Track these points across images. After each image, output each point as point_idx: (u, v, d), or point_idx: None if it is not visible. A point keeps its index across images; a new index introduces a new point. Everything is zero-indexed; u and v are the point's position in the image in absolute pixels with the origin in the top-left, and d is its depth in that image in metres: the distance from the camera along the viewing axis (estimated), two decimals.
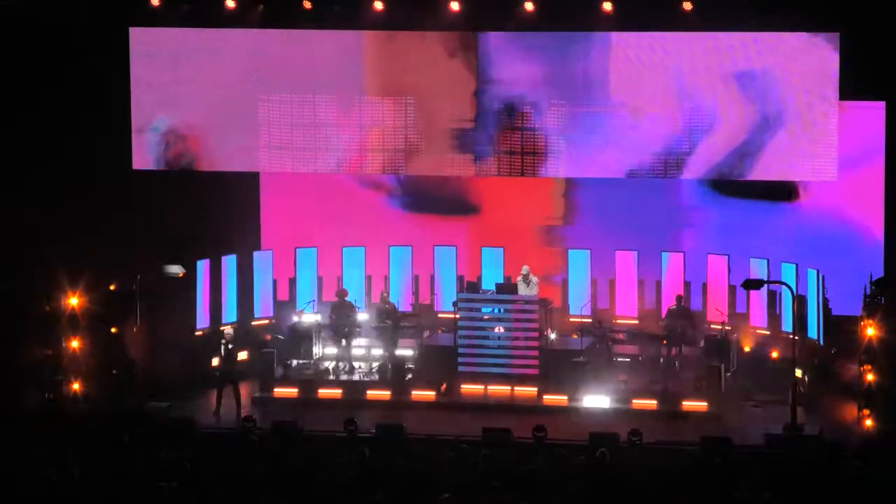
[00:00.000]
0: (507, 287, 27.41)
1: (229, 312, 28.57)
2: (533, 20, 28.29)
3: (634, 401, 25.65)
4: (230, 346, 26.25)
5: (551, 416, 24.76)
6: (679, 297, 27.21)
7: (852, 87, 27.56)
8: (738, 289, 26.31)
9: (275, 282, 29.41)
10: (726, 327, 27.33)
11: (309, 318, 28.09)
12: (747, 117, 28.26)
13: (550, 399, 26.00)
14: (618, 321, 28.45)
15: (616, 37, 28.56)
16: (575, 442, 22.67)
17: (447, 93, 29.25)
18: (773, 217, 28.83)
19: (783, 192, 28.76)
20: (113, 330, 26.99)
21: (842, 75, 27.50)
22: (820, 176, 28.25)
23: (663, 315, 27.49)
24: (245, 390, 26.54)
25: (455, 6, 28.21)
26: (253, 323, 28.99)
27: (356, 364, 27.43)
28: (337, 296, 28.20)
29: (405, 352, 27.46)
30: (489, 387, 26.58)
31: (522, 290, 27.26)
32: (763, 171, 28.36)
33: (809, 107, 27.95)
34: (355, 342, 27.86)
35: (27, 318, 26.34)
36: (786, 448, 22.62)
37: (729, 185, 28.88)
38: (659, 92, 28.54)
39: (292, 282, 29.42)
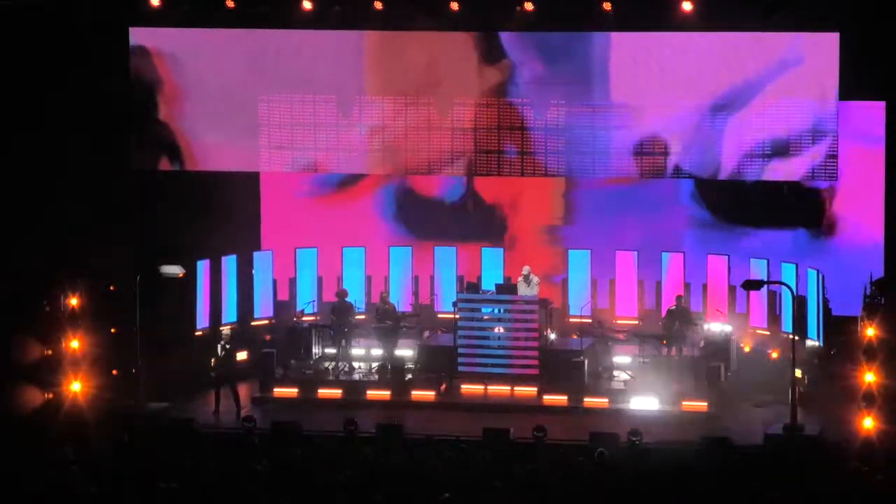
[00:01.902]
0: (507, 287, 27.41)
1: (229, 312, 28.56)
2: (533, 20, 28.29)
3: (634, 401, 25.65)
4: (228, 347, 26.24)
5: (551, 416, 24.76)
6: (679, 298, 27.21)
7: (852, 87, 27.56)
8: (738, 289, 26.31)
9: (275, 282, 29.41)
10: (726, 327, 27.33)
11: (309, 318, 28.17)
12: (747, 118, 28.24)
13: (550, 399, 26.00)
14: (618, 321, 28.45)
15: (616, 36, 28.55)
16: (575, 442, 22.68)
17: (447, 92, 29.25)
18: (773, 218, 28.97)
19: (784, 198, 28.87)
20: (113, 330, 27.00)
21: (842, 75, 27.50)
22: (820, 176, 28.25)
23: (663, 315, 27.48)
24: (245, 390, 26.54)
25: (455, 6, 28.21)
26: (253, 323, 28.99)
27: (356, 364, 27.43)
28: (337, 296, 28.20)
29: (405, 352, 27.45)
30: (489, 387, 26.58)
31: (523, 290, 27.26)
32: (763, 171, 28.35)
33: (809, 107, 27.94)
34: (355, 342, 27.86)
35: (27, 317, 26.33)
36: (786, 448, 22.61)
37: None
38: (659, 92, 28.52)
39: (292, 282, 29.42)
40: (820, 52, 27.62)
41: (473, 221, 30.24)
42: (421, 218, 30.27)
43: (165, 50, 29.40)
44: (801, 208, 28.95)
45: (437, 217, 30.23)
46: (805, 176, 28.39)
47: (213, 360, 26.19)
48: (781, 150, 28.23)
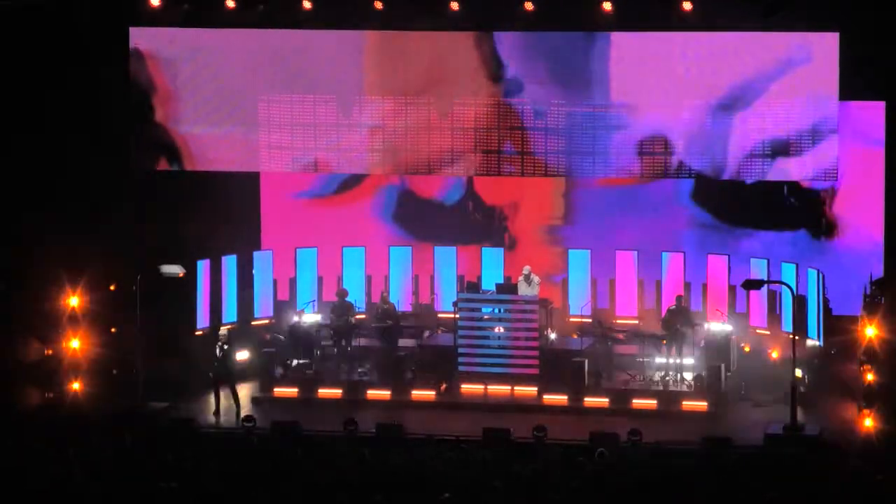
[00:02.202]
0: (507, 287, 27.41)
1: (229, 312, 28.57)
2: (533, 20, 28.28)
3: (634, 401, 25.66)
4: (226, 347, 26.24)
5: (551, 416, 24.77)
6: (679, 298, 27.19)
7: (852, 87, 27.55)
8: (739, 289, 26.31)
9: (275, 282, 29.41)
10: (726, 327, 27.32)
11: (309, 318, 28.17)
12: (747, 118, 28.24)
13: (550, 399, 26.01)
14: (618, 321, 28.45)
15: (617, 36, 28.54)
16: (575, 442, 22.68)
17: (447, 93, 29.24)
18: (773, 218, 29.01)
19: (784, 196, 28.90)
20: (113, 330, 27.01)
21: (842, 75, 27.50)
22: (820, 176, 28.25)
23: (663, 315, 27.46)
24: (245, 390, 26.55)
25: (455, 6, 28.21)
26: (253, 323, 28.99)
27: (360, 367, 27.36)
28: (337, 296, 28.21)
29: (405, 352, 27.44)
30: (489, 387, 26.58)
31: (524, 289, 27.25)
32: (763, 171, 28.35)
33: (810, 107, 27.93)
34: (355, 342, 27.86)
35: (27, 317, 26.34)
36: (786, 448, 22.61)
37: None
38: (659, 92, 28.50)
39: (292, 282, 29.42)
40: (820, 52, 27.60)
41: (474, 224, 30.20)
42: (421, 222, 30.20)
43: (165, 50, 29.39)
44: (801, 208, 28.97)
45: (438, 221, 30.17)
46: (805, 176, 28.38)
47: (213, 361, 26.17)
48: (781, 150, 28.22)
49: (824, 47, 27.53)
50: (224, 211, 29.22)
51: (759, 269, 27.43)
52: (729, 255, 28.20)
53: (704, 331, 27.25)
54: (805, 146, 28.13)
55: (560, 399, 25.91)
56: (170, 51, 29.38)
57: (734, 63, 28.15)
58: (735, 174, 28.58)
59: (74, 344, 25.99)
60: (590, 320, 27.88)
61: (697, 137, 28.54)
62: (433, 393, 26.41)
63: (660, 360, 26.64)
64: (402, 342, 27.68)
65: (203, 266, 28.07)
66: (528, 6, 28.12)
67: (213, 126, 29.52)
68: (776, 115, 28.17)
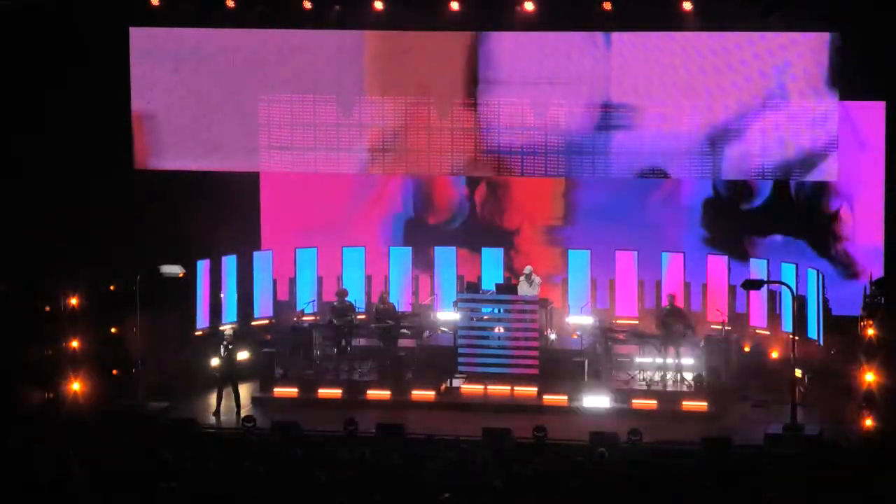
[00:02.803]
0: (507, 287, 27.40)
1: (229, 312, 28.56)
2: (533, 20, 28.29)
3: (634, 401, 25.65)
4: (230, 347, 26.24)
5: (551, 416, 24.76)
6: (671, 297, 27.10)
7: (852, 87, 27.56)
8: (738, 289, 26.30)
9: (275, 282, 29.40)
10: (726, 327, 27.31)
11: (309, 318, 28.18)
12: (748, 118, 28.25)
13: (550, 399, 26.00)
14: (618, 321, 28.43)
15: (616, 36, 28.56)
16: (575, 442, 22.67)
17: (447, 93, 29.25)
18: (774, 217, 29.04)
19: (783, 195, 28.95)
20: (113, 330, 27.01)
21: (842, 75, 27.50)
22: (820, 176, 28.25)
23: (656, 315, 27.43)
24: (245, 390, 26.55)
25: (455, 6, 28.21)
26: (253, 323, 28.98)
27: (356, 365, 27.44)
28: (337, 296, 28.20)
29: (405, 352, 27.44)
30: (489, 387, 26.58)
31: (525, 289, 27.25)
32: (763, 171, 28.36)
33: (810, 108, 27.94)
34: (355, 342, 27.85)
35: (27, 318, 26.33)
36: (786, 448, 22.61)
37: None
38: (659, 92, 28.52)
39: (292, 282, 29.42)
40: (819, 52, 27.61)
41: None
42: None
43: (165, 50, 29.40)
44: (800, 208, 28.96)
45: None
46: (805, 176, 28.38)
47: (216, 361, 26.16)
48: (780, 150, 28.23)
49: (824, 47, 27.51)
50: (224, 211, 29.22)
51: (759, 269, 27.42)
52: (729, 256, 28.20)
53: (699, 330, 27.25)
54: (804, 147, 28.13)
55: (560, 399, 25.90)
56: (170, 51, 29.37)
57: (733, 64, 28.16)
58: (734, 174, 28.60)
59: (74, 344, 25.97)
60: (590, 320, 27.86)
61: (696, 138, 28.54)
62: (433, 393, 26.41)
63: (658, 360, 26.61)
64: (402, 342, 27.66)
65: (203, 266, 28.07)
66: (528, 6, 28.13)
67: (213, 126, 29.53)
68: (775, 115, 28.18)
